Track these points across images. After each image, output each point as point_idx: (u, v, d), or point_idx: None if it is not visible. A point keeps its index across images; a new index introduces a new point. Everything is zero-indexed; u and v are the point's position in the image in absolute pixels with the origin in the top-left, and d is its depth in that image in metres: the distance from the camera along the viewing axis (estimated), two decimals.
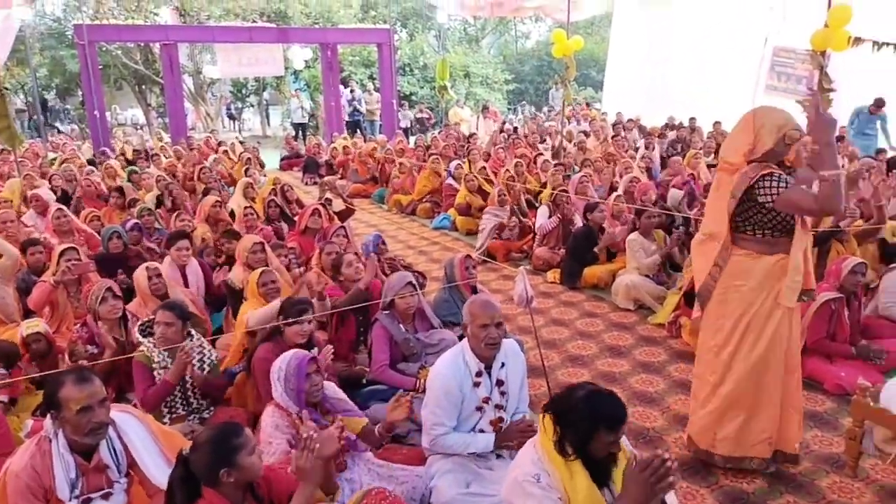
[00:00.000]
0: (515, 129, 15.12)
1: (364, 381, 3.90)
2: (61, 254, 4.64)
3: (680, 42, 15.86)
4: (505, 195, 7.51)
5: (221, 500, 2.12)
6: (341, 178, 11.88)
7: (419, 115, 19.19)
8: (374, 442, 3.03)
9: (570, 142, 12.00)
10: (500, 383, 2.91)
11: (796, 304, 3.04)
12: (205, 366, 3.51)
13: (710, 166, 9.18)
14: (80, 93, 19.23)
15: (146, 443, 2.56)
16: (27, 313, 4.52)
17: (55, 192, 7.87)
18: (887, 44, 7.29)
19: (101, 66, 16.11)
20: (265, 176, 10.89)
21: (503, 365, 2.93)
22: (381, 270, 5.18)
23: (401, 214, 9.68)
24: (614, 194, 6.96)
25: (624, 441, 2.25)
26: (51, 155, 12.29)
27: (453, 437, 2.85)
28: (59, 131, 20.85)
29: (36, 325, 3.86)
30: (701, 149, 10.19)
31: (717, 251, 3.06)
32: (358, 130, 17.46)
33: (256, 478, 2.23)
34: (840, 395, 3.96)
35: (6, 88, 7.90)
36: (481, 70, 23.76)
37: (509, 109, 24.83)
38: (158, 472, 2.49)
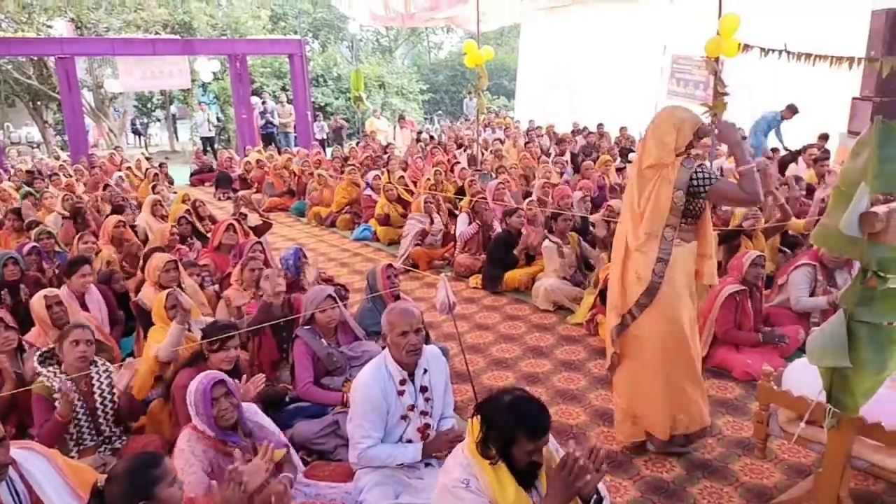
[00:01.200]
0: (432, 137, 15.24)
1: (287, 398, 3.80)
2: None
3: (585, 52, 16.45)
4: (431, 202, 7.54)
5: None
6: (256, 192, 11.60)
7: (336, 126, 19.00)
8: (291, 472, 2.94)
9: (486, 149, 12.20)
10: (424, 389, 2.91)
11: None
12: (114, 390, 3.33)
13: (618, 170, 9.57)
14: None
15: (52, 480, 2.39)
16: None
17: None
18: (773, 50, 7.78)
19: None
20: (175, 192, 10.49)
21: (426, 371, 2.94)
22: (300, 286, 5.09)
23: (320, 227, 9.54)
24: (527, 199, 7.11)
25: (551, 446, 2.29)
26: None
27: (380, 449, 2.82)
28: None
29: None
30: (609, 152, 10.60)
31: (657, 248, 3.15)
32: (272, 143, 17.11)
33: None
34: (747, 381, 4.19)
35: None
36: (396, 80, 23.82)
37: (425, 119, 24.99)
38: None
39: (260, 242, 5.57)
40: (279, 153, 14.43)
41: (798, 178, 7.04)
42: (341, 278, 6.59)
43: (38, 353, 3.38)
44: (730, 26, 7.16)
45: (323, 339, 3.82)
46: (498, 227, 6.83)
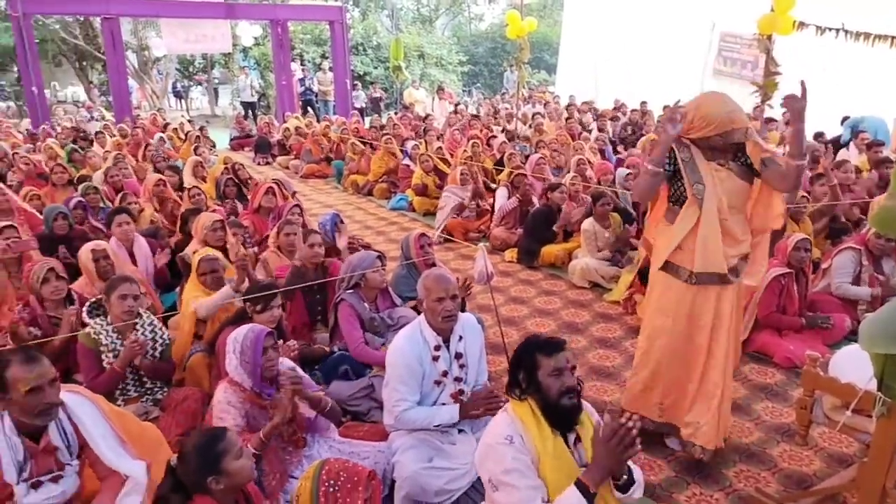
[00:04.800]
0: (475, 115, 15.08)
1: (326, 359, 3.84)
2: None
3: (630, 26, 16.03)
4: (467, 174, 7.48)
5: None
6: (295, 159, 11.68)
7: (374, 96, 18.94)
8: (331, 417, 3.02)
9: (525, 124, 12.05)
10: (458, 356, 2.90)
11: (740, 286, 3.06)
12: (157, 345, 3.40)
13: None
14: (15, 68, 18.29)
15: (98, 424, 2.46)
16: None
17: None
18: (830, 28, 7.50)
19: (37, 41, 15.33)
20: (216, 155, 10.62)
21: (461, 338, 2.93)
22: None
23: (357, 195, 9.58)
24: (569, 175, 7.01)
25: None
26: None
27: (418, 411, 2.83)
28: None
29: None
30: (654, 132, 10.35)
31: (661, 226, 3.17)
32: (310, 110, 17.13)
33: (247, 481, 2.21)
34: (789, 367, 4.11)
35: None
36: (435, 51, 23.59)
37: (464, 91, 24.75)
38: (111, 454, 2.40)
39: (298, 206, 5.60)
40: (318, 120, 14.46)
41: (846, 162, 6.79)
42: (378, 246, 6.59)
43: (87, 305, 3.46)
44: (786, 2, 6.92)
45: (366, 304, 3.85)
46: (536, 202, 6.76)
